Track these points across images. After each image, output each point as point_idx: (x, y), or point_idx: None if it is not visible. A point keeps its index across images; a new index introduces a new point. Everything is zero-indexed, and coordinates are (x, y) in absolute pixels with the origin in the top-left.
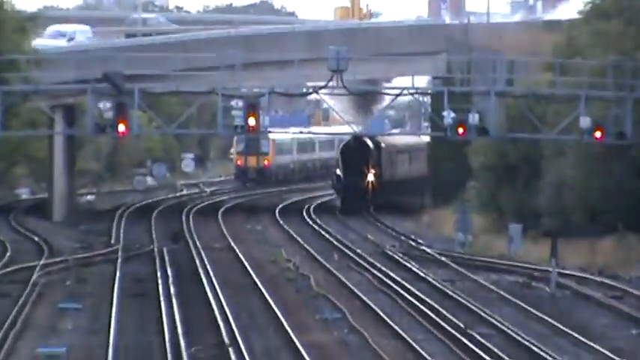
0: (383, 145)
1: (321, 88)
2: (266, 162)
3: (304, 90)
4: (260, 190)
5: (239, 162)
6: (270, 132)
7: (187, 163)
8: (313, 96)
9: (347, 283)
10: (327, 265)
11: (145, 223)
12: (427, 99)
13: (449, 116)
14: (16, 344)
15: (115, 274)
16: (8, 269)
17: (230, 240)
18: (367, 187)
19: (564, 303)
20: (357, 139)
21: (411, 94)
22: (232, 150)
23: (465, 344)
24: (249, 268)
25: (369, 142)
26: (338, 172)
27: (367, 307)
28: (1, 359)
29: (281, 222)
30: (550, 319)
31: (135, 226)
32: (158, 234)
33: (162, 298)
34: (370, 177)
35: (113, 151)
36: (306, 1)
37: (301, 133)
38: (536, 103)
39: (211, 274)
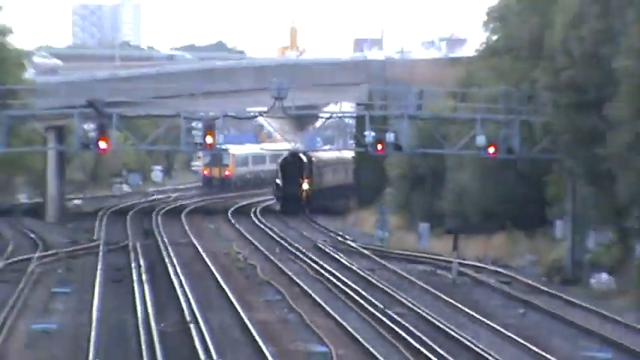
0: (314, 159)
1: (265, 112)
2: (227, 172)
3: (251, 114)
4: (216, 195)
5: (205, 172)
6: (227, 148)
7: (156, 173)
8: (259, 118)
9: (287, 271)
10: (271, 257)
11: (122, 222)
12: (352, 121)
13: (370, 135)
14: (16, 322)
15: (98, 264)
16: (9, 261)
17: (192, 236)
18: (302, 194)
19: (464, 288)
20: (293, 154)
21: (339, 117)
22: (199, 162)
23: (384, 321)
24: (206, 259)
25: (303, 157)
26: (278, 181)
27: (304, 292)
28: (3, 334)
29: (233, 221)
30: (452, 301)
31: (113, 225)
32: (132, 231)
33: (135, 284)
34: (305, 186)
35: (96, 163)
36: (253, 40)
37: (256, 148)
38: (440, 124)
39: (176, 264)
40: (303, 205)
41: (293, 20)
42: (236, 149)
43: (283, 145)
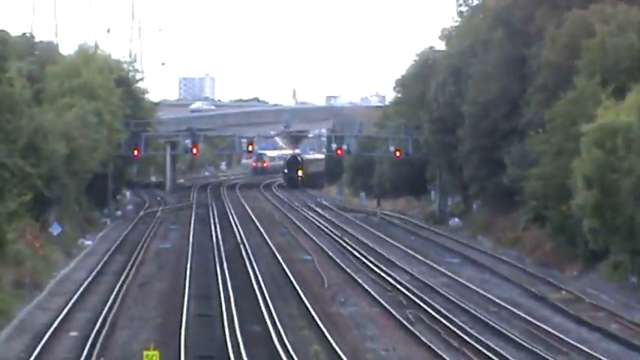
0: (304, 158)
1: (277, 134)
2: (266, 164)
3: (271, 134)
4: (258, 178)
5: (254, 164)
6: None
7: (223, 166)
8: (276, 138)
9: (290, 216)
10: (283, 209)
11: (204, 191)
12: (325, 139)
13: (334, 146)
14: (150, 243)
15: (192, 214)
16: (147, 211)
17: (241, 199)
18: (298, 177)
19: (383, 225)
20: (293, 156)
21: (319, 136)
22: (248, 160)
23: (338, 241)
24: (251, 214)
25: (298, 157)
26: (285, 170)
27: (299, 228)
28: (143, 250)
29: (263, 191)
30: (376, 232)
31: (201, 193)
32: (210, 197)
33: (212, 223)
34: (300, 172)
35: (191, 161)
36: (275, 93)
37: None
38: (371, 140)
39: (234, 214)
40: (299, 183)
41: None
42: (269, 153)
43: (288, 151)
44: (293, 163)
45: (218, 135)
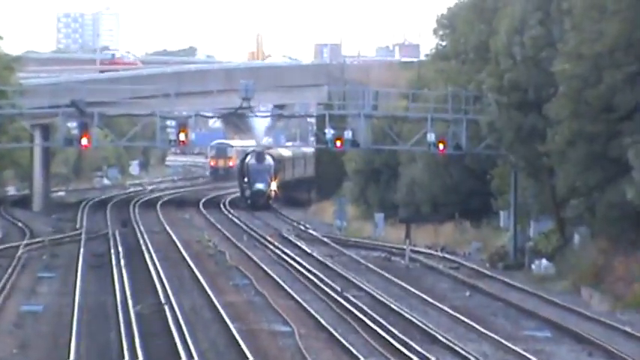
0: (278, 156)
1: (234, 111)
2: (231, 163)
3: (222, 113)
4: (187, 188)
5: (212, 163)
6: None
7: (134, 167)
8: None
9: (254, 257)
10: (239, 244)
11: (102, 212)
12: (313, 120)
13: (329, 133)
14: (5, 303)
15: (80, 251)
16: (1, 247)
17: (166, 225)
18: (268, 193)
19: (415, 272)
20: (259, 154)
21: (302, 116)
22: (173, 157)
23: (341, 303)
24: (180, 246)
25: (268, 156)
26: (245, 180)
27: (268, 276)
28: None
29: (204, 212)
30: (405, 284)
31: (94, 215)
32: (112, 221)
33: (114, 269)
34: (273, 185)
35: (78, 158)
36: (223, 46)
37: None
38: (394, 122)
39: (151, 250)
40: (270, 201)
41: (259, 28)
42: (234, 144)
43: (251, 142)
44: (258, 166)
45: (125, 114)
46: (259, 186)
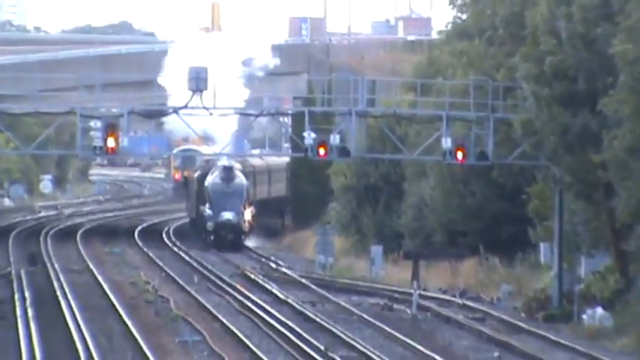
0: (253, 167)
1: (180, 108)
2: None
3: (164, 110)
4: (117, 212)
5: (177, 176)
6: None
7: (45, 184)
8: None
9: (207, 305)
10: (187, 288)
11: (2, 245)
12: (288, 119)
13: (309, 137)
14: None
15: None
16: None
17: (89, 262)
18: (241, 226)
19: (426, 325)
20: (226, 169)
21: (272, 114)
22: (98, 171)
23: None
24: (107, 290)
25: (237, 172)
26: (206, 209)
27: (227, 330)
28: None
29: (140, 244)
30: (412, 342)
31: None
32: (15, 256)
33: (20, 322)
34: (247, 215)
35: None
36: (165, 20)
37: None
38: (397, 123)
39: (69, 296)
40: (243, 238)
41: None
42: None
43: (205, 148)
44: (225, 187)
45: (34, 112)
46: (227, 216)
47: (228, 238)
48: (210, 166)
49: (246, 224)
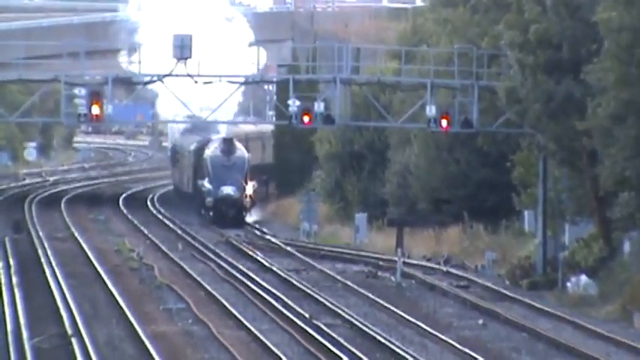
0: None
1: (165, 75)
2: None
3: (149, 78)
4: (102, 179)
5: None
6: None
7: (30, 151)
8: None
9: (191, 272)
10: (171, 255)
11: None
12: (272, 87)
13: (294, 104)
14: None
15: None
16: None
17: (73, 230)
18: (244, 200)
19: (410, 293)
20: (225, 141)
21: (257, 82)
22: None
23: (310, 334)
24: (92, 258)
25: (236, 145)
26: (205, 183)
27: (212, 298)
28: None
29: (125, 212)
30: (396, 309)
31: None
32: (0, 224)
33: (4, 289)
34: (249, 189)
35: None
36: None
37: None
38: (381, 91)
39: (54, 263)
40: (245, 213)
41: None
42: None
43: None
44: (225, 160)
45: (17, 79)
46: (228, 190)
47: (229, 214)
48: (207, 139)
49: (248, 199)
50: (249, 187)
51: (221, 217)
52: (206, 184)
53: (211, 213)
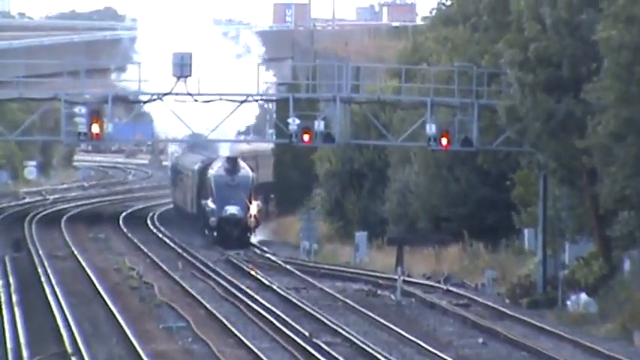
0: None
1: (165, 94)
2: None
3: (149, 97)
4: (102, 197)
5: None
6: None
7: (30, 170)
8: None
9: (191, 291)
10: (172, 274)
11: None
12: (272, 106)
13: (294, 123)
14: None
15: None
16: None
17: (73, 248)
18: (248, 221)
19: (410, 311)
20: (230, 160)
21: (256, 100)
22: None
23: (310, 353)
24: (92, 276)
25: (241, 164)
26: (207, 202)
27: (212, 316)
28: None
29: (125, 230)
30: (396, 328)
31: None
32: (0, 242)
33: (4, 307)
34: (253, 209)
35: None
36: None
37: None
38: (381, 109)
39: (54, 282)
40: (249, 235)
41: None
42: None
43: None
44: (229, 179)
45: (18, 98)
46: (232, 210)
47: (233, 235)
48: (211, 158)
49: (252, 219)
50: (254, 207)
51: (225, 238)
52: (210, 204)
53: (215, 233)
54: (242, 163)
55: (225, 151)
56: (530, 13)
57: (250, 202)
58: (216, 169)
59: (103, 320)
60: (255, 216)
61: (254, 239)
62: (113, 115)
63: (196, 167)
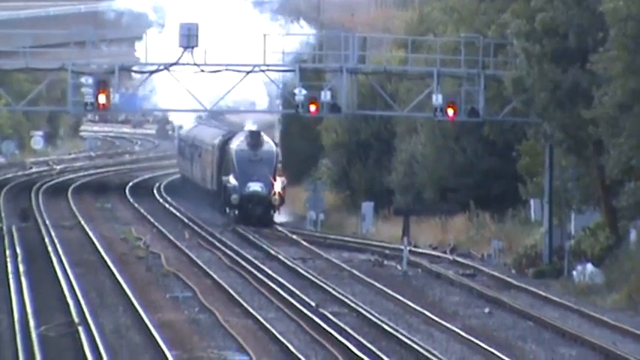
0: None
1: (171, 64)
2: None
3: (155, 67)
4: (108, 167)
5: None
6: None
7: (37, 140)
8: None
9: (197, 261)
10: (178, 244)
11: None
12: (279, 76)
13: (300, 93)
14: None
15: None
16: None
17: (80, 218)
18: (272, 199)
19: (416, 281)
20: (253, 134)
21: (263, 70)
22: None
23: (317, 323)
24: (99, 246)
25: (264, 139)
26: (228, 178)
27: (218, 286)
28: None
29: (131, 200)
30: (402, 298)
31: None
32: (7, 212)
33: (11, 277)
34: (278, 186)
35: None
36: None
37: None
38: (388, 80)
39: (60, 252)
40: (272, 213)
41: None
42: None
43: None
44: (252, 155)
45: (24, 68)
46: (255, 187)
47: (256, 213)
48: (232, 132)
49: (277, 196)
50: (278, 184)
51: (248, 216)
52: (232, 181)
53: (237, 211)
54: (265, 137)
55: (248, 124)
56: None
57: (274, 179)
58: (237, 143)
59: (109, 290)
60: (279, 193)
61: (278, 219)
62: (120, 85)
63: (216, 141)
